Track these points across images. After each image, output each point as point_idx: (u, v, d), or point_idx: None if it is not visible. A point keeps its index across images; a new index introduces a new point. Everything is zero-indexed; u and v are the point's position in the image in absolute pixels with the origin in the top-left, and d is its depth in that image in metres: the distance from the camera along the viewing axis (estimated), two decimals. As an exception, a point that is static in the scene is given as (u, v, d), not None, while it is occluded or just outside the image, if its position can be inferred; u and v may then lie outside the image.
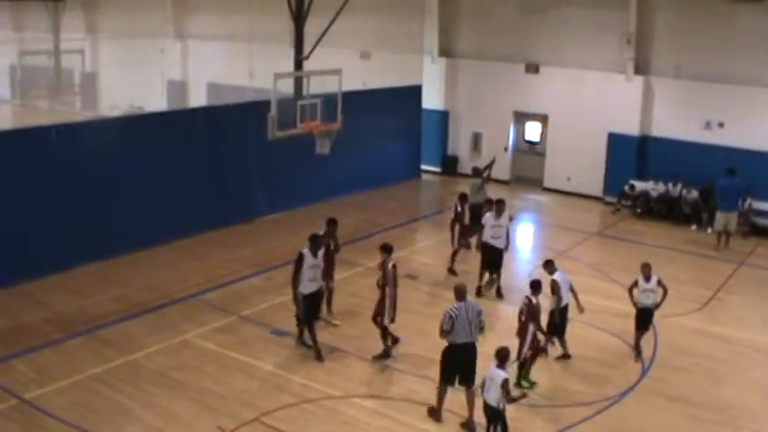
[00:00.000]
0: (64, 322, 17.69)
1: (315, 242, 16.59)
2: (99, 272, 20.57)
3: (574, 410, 14.74)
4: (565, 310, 16.55)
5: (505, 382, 12.60)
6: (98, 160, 21.19)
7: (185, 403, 14.52)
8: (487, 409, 12.91)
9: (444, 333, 14.05)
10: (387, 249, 16.39)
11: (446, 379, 14.24)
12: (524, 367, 15.44)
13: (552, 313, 16.46)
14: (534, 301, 15.28)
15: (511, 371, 13.86)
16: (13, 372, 15.38)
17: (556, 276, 16.44)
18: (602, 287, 21.06)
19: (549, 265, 16.75)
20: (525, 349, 15.17)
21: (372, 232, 24.67)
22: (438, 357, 14.51)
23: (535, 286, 15.51)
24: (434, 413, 14.32)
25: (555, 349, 16.75)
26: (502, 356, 12.84)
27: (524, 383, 15.36)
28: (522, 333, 15.19)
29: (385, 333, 16.38)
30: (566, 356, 16.77)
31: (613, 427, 14.28)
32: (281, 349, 16.93)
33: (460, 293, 14.28)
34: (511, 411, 14.58)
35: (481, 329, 14.29)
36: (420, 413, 14.46)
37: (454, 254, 21.47)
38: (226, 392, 14.92)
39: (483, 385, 12.98)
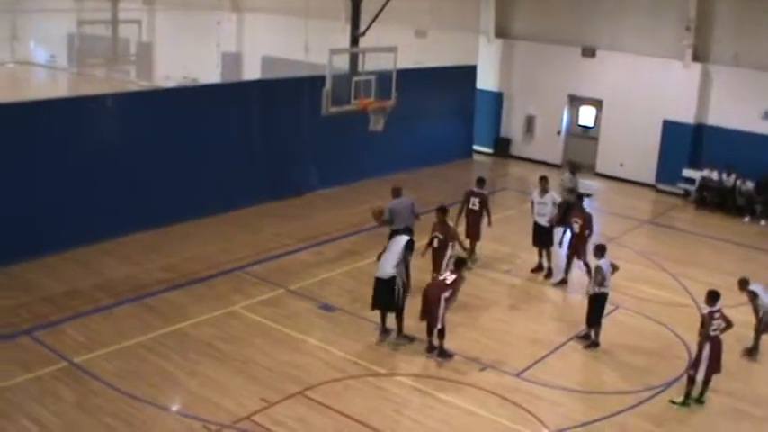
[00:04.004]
0: (113, 289, 17.91)
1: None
2: (149, 240, 20.78)
3: (617, 398, 14.62)
4: (605, 298, 16.51)
5: None
6: (152, 130, 21.36)
7: (230, 373, 14.65)
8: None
9: (387, 223, 18.36)
10: (443, 211, 18.37)
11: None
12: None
13: (592, 298, 16.51)
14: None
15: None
16: (63, 335, 15.61)
17: (601, 263, 16.38)
18: (651, 275, 20.88)
19: (598, 251, 16.72)
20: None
21: (423, 211, 24.57)
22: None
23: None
24: None
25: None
26: None
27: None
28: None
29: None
30: (594, 344, 16.65)
31: (656, 418, 14.13)
32: (328, 324, 17.00)
33: (396, 192, 18.76)
34: (552, 395, 14.63)
35: (417, 216, 18.71)
36: (463, 393, 14.48)
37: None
38: (271, 365, 15.02)
39: None
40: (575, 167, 23.47)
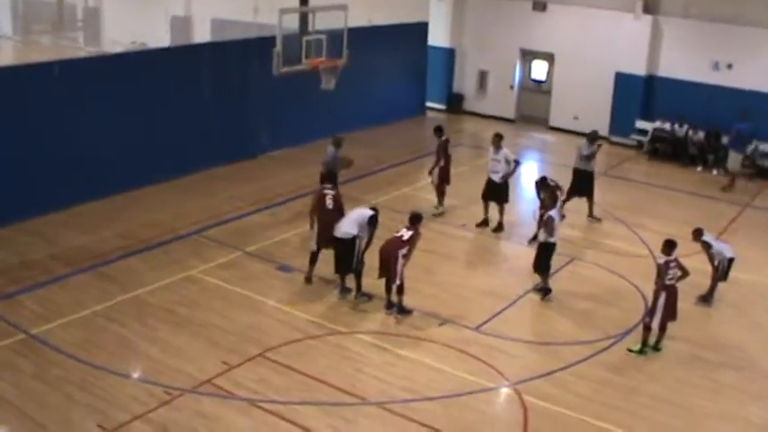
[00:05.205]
0: (69, 258, 17.72)
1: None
2: (102, 209, 20.52)
3: (575, 348, 14.81)
4: (553, 247, 16.70)
5: None
6: (101, 97, 21.02)
7: (190, 338, 14.61)
8: None
9: (324, 164, 19.63)
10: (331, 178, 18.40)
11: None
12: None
13: (542, 246, 16.73)
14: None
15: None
16: (20, 307, 15.44)
17: (553, 213, 16.56)
18: (606, 227, 21.09)
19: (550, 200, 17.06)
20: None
21: (377, 169, 24.66)
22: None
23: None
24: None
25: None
26: None
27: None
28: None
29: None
30: (548, 291, 16.85)
31: (614, 366, 14.33)
32: (287, 285, 16.99)
33: (335, 140, 20.01)
34: (511, 347, 14.77)
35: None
36: (422, 348, 14.59)
37: None
38: (231, 328, 15.01)
39: None
40: (594, 137, 21.99)
